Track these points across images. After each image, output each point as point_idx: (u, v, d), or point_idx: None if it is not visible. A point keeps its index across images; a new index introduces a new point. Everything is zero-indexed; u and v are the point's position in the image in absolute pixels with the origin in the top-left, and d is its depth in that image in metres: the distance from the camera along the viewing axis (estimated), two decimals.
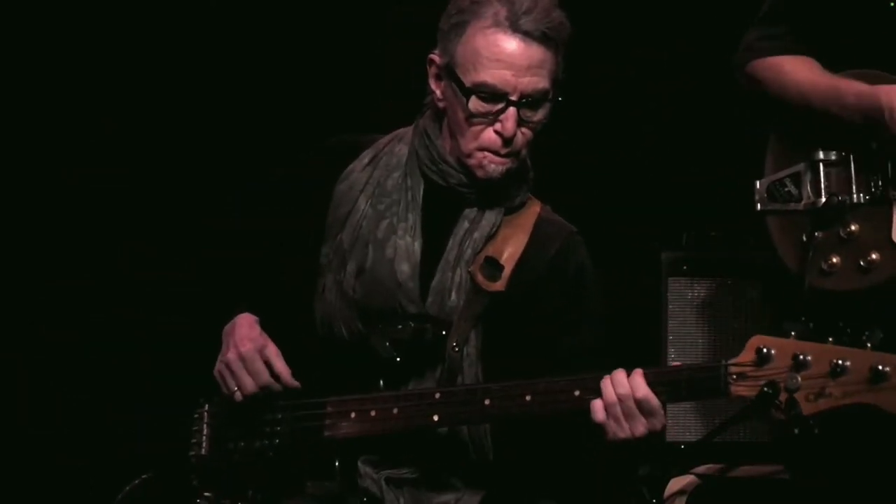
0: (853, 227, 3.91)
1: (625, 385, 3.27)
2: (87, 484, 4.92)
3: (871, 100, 3.87)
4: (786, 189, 4.01)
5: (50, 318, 5.20)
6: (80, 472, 5.04)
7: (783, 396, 3.12)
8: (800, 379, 3.12)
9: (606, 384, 3.28)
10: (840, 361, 3.09)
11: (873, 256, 3.86)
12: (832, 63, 4.04)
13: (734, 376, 3.20)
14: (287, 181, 3.74)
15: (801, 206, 3.99)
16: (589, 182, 5.21)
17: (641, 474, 4.56)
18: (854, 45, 4.02)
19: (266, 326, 3.59)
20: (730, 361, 3.22)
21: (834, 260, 3.90)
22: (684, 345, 4.68)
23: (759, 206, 4.05)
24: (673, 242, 4.74)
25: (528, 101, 3.49)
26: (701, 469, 4.59)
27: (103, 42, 5.22)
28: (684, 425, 4.66)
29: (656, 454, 3.40)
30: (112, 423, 5.04)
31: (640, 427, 3.28)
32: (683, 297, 4.62)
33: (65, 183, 5.23)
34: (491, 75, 3.47)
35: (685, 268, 4.66)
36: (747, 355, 3.19)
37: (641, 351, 4.66)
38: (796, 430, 3.11)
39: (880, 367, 3.06)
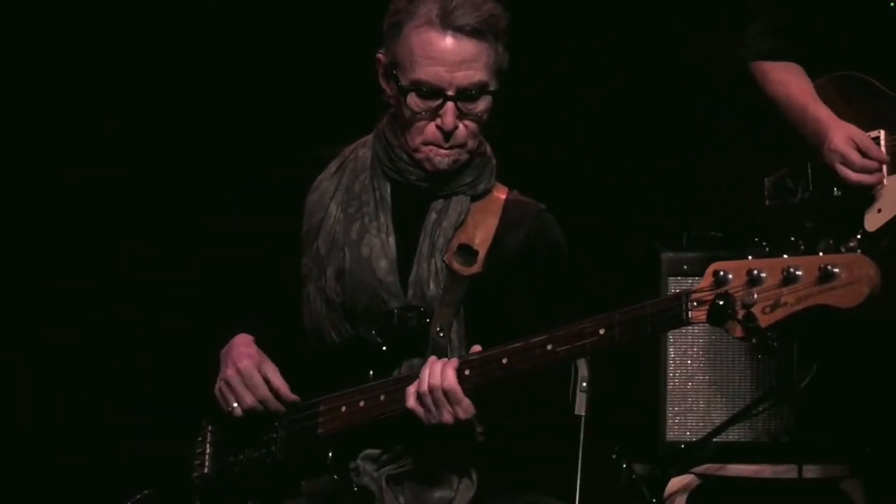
0: (835, 217, 4.08)
1: (436, 376, 3.39)
2: (87, 484, 4.92)
3: (825, 129, 4.11)
4: (787, 185, 4.15)
5: (50, 318, 5.20)
6: (80, 472, 5.04)
7: (741, 312, 3.16)
8: (755, 293, 3.16)
9: (423, 373, 3.41)
10: (791, 270, 3.14)
11: (852, 244, 3.99)
12: (825, 62, 4.18)
13: (694, 304, 3.23)
14: (262, 198, 3.81)
15: (797, 200, 4.11)
16: (589, 182, 5.22)
17: (642, 474, 4.57)
18: (850, 44, 4.11)
19: (261, 344, 3.66)
20: (690, 289, 3.25)
21: (830, 242, 4.05)
22: (684, 345, 4.68)
23: (767, 201, 4.24)
24: (673, 242, 4.74)
25: (465, 94, 3.56)
26: (701, 469, 4.60)
27: (103, 42, 5.22)
28: (684, 425, 4.66)
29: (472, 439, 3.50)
30: (112, 423, 5.04)
31: (447, 415, 3.40)
32: None
33: (65, 183, 5.23)
34: (425, 73, 3.55)
35: (685, 268, 4.67)
36: (706, 281, 3.23)
37: (641, 350, 4.67)
38: (754, 341, 3.15)
39: (829, 267, 3.11)
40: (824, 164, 4.09)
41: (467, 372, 3.41)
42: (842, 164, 4.06)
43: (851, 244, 4.01)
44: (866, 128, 4.11)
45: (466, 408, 3.40)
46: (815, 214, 4.13)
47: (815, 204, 4.14)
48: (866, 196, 4.07)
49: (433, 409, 3.40)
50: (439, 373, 3.40)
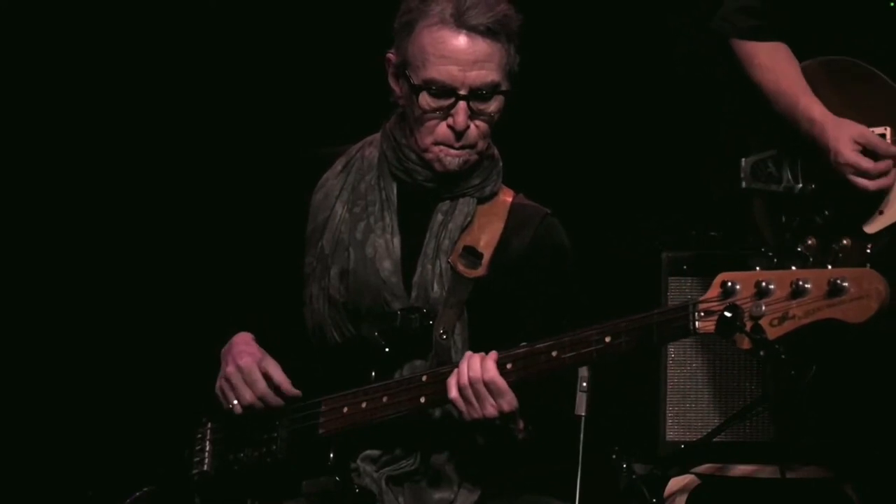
0: (828, 213, 3.99)
1: (476, 369, 3.38)
2: (87, 483, 4.92)
3: (822, 133, 3.97)
4: (768, 170, 4.07)
5: (50, 318, 5.20)
6: (80, 470, 5.04)
7: (749, 324, 3.16)
8: (763, 306, 3.17)
9: (462, 366, 3.40)
10: (800, 283, 3.15)
11: (844, 242, 3.92)
12: (809, 45, 4.06)
13: (702, 314, 3.24)
14: (264, 197, 3.82)
15: (780, 188, 4.05)
16: (590, 182, 5.22)
17: (642, 474, 4.57)
18: (847, 44, 4.04)
19: (262, 343, 3.66)
20: (698, 299, 3.25)
21: (809, 242, 3.96)
22: (684, 345, 4.68)
23: (743, 183, 4.11)
24: (673, 242, 4.74)
25: (477, 94, 3.56)
26: (701, 469, 4.60)
27: (105, 43, 5.22)
28: (684, 425, 4.66)
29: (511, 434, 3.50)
30: (112, 421, 5.04)
31: (490, 408, 3.39)
32: (683, 296, 4.61)
33: (66, 183, 5.23)
34: (438, 71, 3.54)
35: (685, 268, 4.67)
36: (713, 291, 3.23)
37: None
38: (762, 353, 3.15)
39: (838, 281, 3.12)
40: (823, 160, 3.97)
41: (509, 366, 3.41)
42: (855, 175, 3.93)
43: (845, 242, 3.94)
44: (864, 122, 3.98)
45: (511, 400, 3.40)
46: (803, 208, 4.03)
47: (805, 197, 4.03)
48: (867, 196, 3.97)
49: (475, 402, 3.40)
50: (479, 365, 3.39)
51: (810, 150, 4.03)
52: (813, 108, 4.00)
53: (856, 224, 3.99)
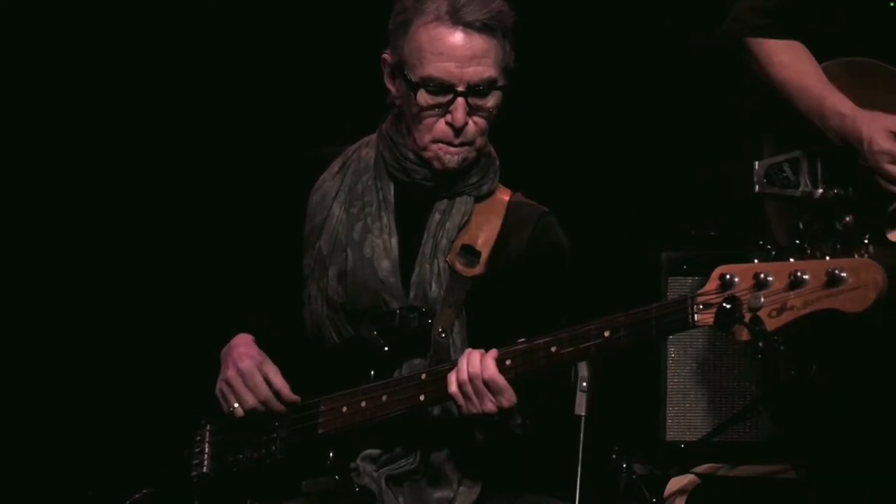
0: (849, 219, 3.93)
1: (476, 366, 3.39)
2: (86, 484, 4.92)
3: (854, 125, 3.90)
4: (783, 174, 4.02)
5: (50, 318, 5.20)
6: (79, 471, 5.04)
7: (747, 316, 3.16)
8: (762, 297, 3.17)
9: (462, 362, 3.42)
10: (799, 273, 3.15)
11: (864, 252, 3.88)
12: (824, 46, 4.01)
13: (700, 306, 3.24)
14: (264, 197, 3.83)
15: (797, 192, 4.01)
16: (589, 181, 5.22)
17: (642, 474, 4.57)
18: (848, 32, 4.01)
19: (261, 344, 3.66)
20: (696, 292, 3.25)
21: (829, 253, 3.93)
22: (684, 345, 4.68)
23: (756, 188, 4.06)
24: (673, 242, 4.74)
25: (475, 90, 3.57)
26: (701, 469, 4.60)
27: (105, 42, 5.22)
28: (684, 425, 4.66)
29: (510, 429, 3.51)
30: (112, 422, 5.04)
31: (489, 404, 3.40)
32: None
33: (66, 183, 5.23)
34: (435, 68, 3.55)
35: (685, 268, 4.67)
36: (712, 284, 3.24)
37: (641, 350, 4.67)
38: (761, 344, 3.14)
39: (836, 272, 3.12)
40: (862, 165, 3.88)
41: (508, 362, 3.42)
42: (891, 163, 3.84)
43: (863, 252, 3.88)
44: None
45: (510, 397, 3.41)
46: (822, 213, 3.97)
47: (825, 203, 3.96)
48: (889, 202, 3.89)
49: (474, 398, 3.41)
50: (479, 362, 3.40)
51: (832, 152, 3.97)
52: (841, 103, 3.94)
53: (877, 232, 3.92)
